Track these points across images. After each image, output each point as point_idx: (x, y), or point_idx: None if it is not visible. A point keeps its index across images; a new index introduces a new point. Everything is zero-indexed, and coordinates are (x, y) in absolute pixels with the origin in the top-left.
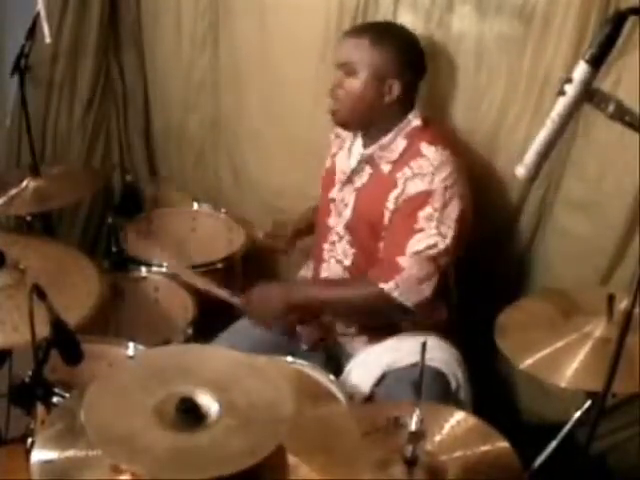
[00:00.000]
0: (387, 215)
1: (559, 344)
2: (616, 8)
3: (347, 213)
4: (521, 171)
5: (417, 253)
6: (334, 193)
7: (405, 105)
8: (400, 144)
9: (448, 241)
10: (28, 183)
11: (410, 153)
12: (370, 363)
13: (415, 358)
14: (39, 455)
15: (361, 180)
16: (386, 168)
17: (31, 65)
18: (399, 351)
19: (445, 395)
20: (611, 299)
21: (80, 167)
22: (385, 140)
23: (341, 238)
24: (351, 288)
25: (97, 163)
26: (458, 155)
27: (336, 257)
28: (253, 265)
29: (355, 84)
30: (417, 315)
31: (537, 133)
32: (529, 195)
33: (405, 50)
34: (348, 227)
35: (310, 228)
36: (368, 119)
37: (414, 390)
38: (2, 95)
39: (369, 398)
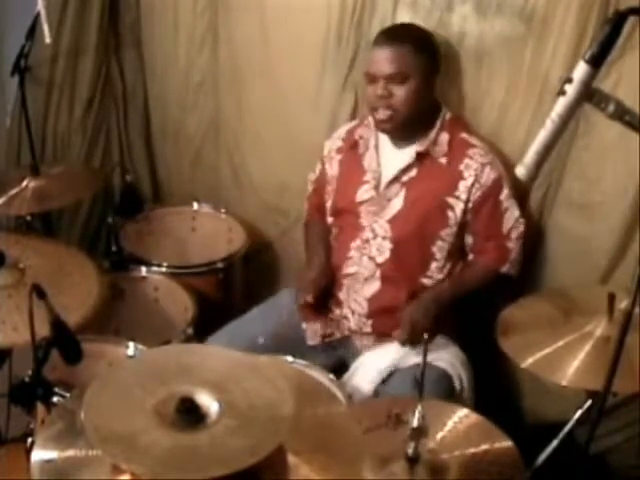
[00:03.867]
0: (459, 205)
1: (560, 343)
2: (616, 8)
3: (393, 208)
4: (521, 171)
5: (514, 233)
6: (365, 193)
7: (436, 101)
8: (444, 137)
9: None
10: (28, 183)
11: (457, 144)
12: (377, 361)
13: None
14: (39, 455)
15: (409, 175)
16: (443, 160)
17: (31, 65)
18: (406, 350)
19: (449, 396)
20: (612, 298)
21: (80, 167)
22: (432, 134)
23: (376, 235)
24: (477, 278)
25: (97, 163)
26: None
27: (369, 254)
28: (253, 265)
29: (409, 89)
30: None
31: (537, 133)
32: (529, 195)
33: (435, 48)
34: (392, 221)
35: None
36: (418, 119)
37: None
38: (2, 95)
39: (374, 396)
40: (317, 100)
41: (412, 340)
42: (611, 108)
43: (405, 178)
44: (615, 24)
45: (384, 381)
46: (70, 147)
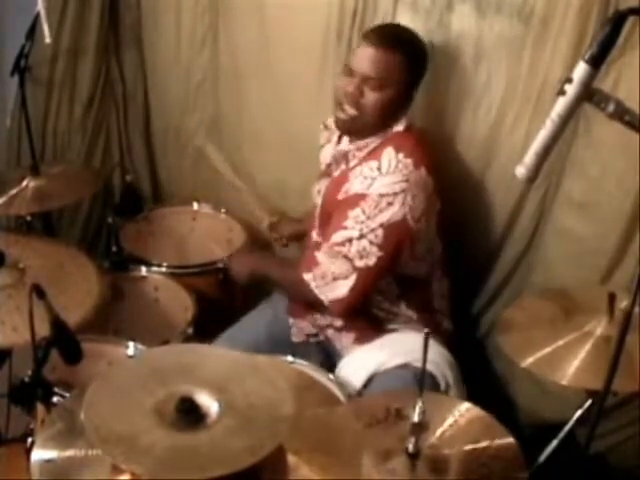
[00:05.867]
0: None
1: (560, 343)
2: (616, 8)
3: (318, 203)
4: (521, 171)
5: (332, 248)
6: (319, 184)
7: (404, 110)
8: (373, 144)
9: (370, 248)
10: (28, 183)
11: (373, 154)
12: (358, 364)
13: (402, 359)
14: (39, 455)
15: (335, 173)
16: (352, 163)
17: (31, 65)
18: (386, 353)
19: None
20: (612, 298)
21: (80, 167)
22: (365, 142)
23: (315, 227)
24: (285, 271)
25: (97, 163)
26: (428, 167)
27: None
28: None
29: (381, 98)
30: (334, 314)
31: (537, 133)
32: (529, 195)
33: (426, 64)
34: (319, 216)
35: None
36: (379, 126)
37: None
38: (2, 95)
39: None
40: (317, 100)
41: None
42: (611, 108)
43: (335, 174)
44: (615, 24)
45: (366, 385)
46: (70, 147)
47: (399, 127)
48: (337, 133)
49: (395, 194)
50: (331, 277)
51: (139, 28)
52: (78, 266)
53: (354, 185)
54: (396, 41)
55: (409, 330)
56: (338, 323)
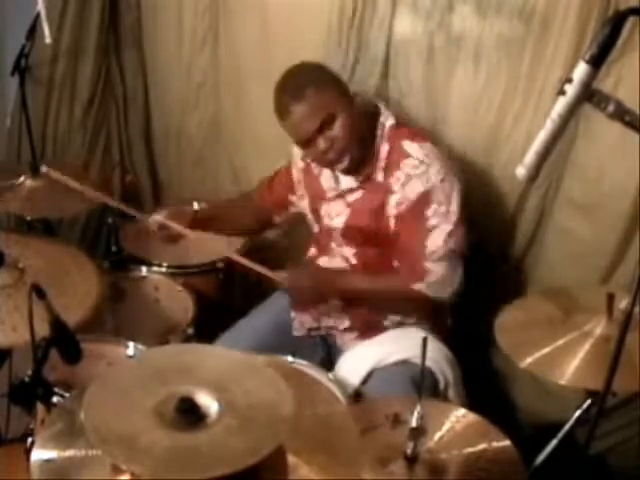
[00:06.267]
0: (392, 221)
1: (560, 343)
2: (616, 8)
3: (337, 225)
4: (521, 171)
5: (438, 253)
6: (326, 208)
7: (370, 111)
8: (384, 149)
9: (459, 227)
10: (25, 181)
11: (395, 155)
12: (357, 361)
13: (402, 356)
14: (39, 455)
15: (354, 196)
16: (380, 176)
17: (31, 65)
18: (386, 349)
19: (432, 393)
20: (611, 298)
21: (80, 167)
22: (374, 154)
23: (341, 244)
24: (388, 287)
25: (97, 163)
26: (437, 143)
27: (341, 254)
28: None
29: (343, 123)
30: (449, 303)
31: (537, 133)
32: (529, 195)
33: (329, 71)
34: (343, 235)
35: (217, 221)
36: (363, 143)
37: (401, 388)
38: (2, 95)
39: (357, 396)
40: None
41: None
42: (611, 108)
43: (351, 199)
44: (615, 24)
45: (365, 381)
46: (70, 147)
47: (390, 121)
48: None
49: (446, 174)
50: (443, 278)
51: (139, 28)
52: (78, 266)
53: (409, 191)
54: (297, 86)
55: (410, 326)
56: (343, 325)
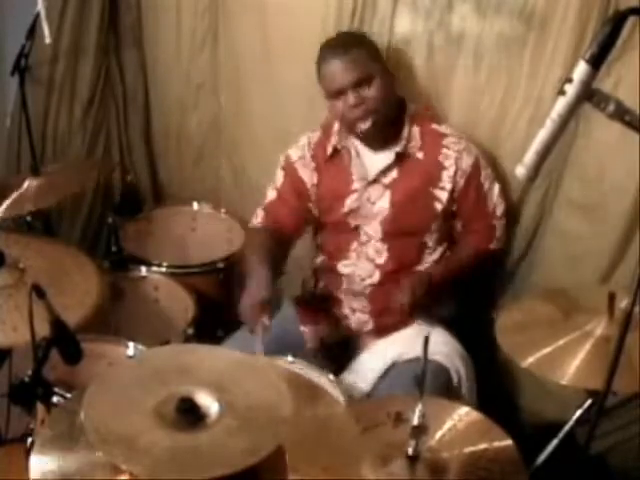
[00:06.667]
0: (444, 195)
1: (560, 343)
2: (616, 8)
3: (381, 211)
4: (521, 171)
5: (500, 210)
6: (356, 202)
7: (399, 97)
8: (415, 130)
9: (498, 184)
10: (29, 184)
11: (430, 136)
12: (376, 357)
13: (417, 353)
14: (39, 455)
15: (391, 176)
16: (420, 155)
17: (31, 65)
18: (404, 345)
19: (446, 389)
20: (612, 297)
21: (79, 161)
22: (405, 132)
23: (370, 238)
24: (469, 257)
25: (97, 163)
26: None
27: (367, 256)
28: None
29: (379, 87)
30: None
31: (537, 133)
32: (529, 195)
33: (378, 46)
34: (383, 223)
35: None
36: (390, 117)
37: (416, 383)
38: (2, 95)
39: (372, 391)
40: (317, 101)
41: (410, 306)
42: (611, 108)
43: (387, 180)
44: (615, 24)
45: (384, 375)
46: (70, 147)
47: (413, 107)
48: (354, 150)
49: (472, 147)
50: (505, 229)
51: (139, 28)
52: (78, 266)
53: (463, 164)
54: (345, 43)
55: (425, 324)
56: (367, 327)
